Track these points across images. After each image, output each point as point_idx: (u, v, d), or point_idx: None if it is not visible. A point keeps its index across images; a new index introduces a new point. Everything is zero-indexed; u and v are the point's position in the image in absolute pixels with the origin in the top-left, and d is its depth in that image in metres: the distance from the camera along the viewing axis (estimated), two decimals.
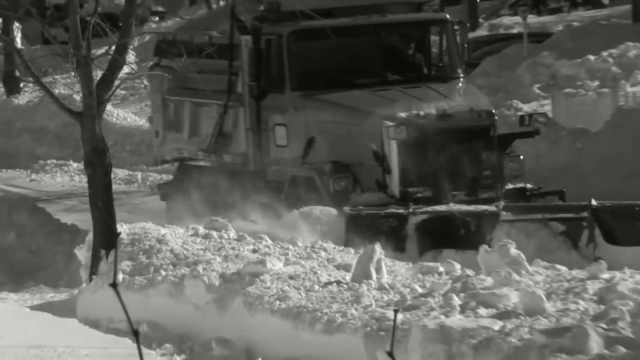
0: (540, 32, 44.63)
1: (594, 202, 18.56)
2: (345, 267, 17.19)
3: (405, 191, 18.93)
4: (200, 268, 17.57)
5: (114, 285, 3.56)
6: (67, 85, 33.33)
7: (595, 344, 12.87)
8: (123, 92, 32.14)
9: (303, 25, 20.34)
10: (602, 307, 14.15)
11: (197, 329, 16.69)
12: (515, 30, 46.12)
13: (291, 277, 16.99)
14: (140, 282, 18.04)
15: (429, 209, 18.86)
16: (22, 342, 16.13)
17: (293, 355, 15.51)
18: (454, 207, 18.81)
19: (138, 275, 18.77)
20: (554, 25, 48.69)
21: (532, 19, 48.58)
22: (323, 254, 17.87)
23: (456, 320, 14.33)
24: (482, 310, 14.85)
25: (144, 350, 14.51)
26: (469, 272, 16.17)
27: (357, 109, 19.70)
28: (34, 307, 19.23)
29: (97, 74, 19.86)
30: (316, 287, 16.60)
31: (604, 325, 13.29)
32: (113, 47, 20.05)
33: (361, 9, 20.79)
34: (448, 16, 21.93)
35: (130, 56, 30.69)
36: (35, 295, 20.11)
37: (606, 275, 15.38)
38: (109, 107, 21.75)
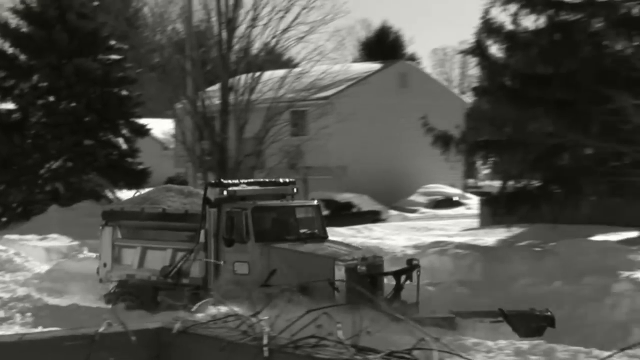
0: None
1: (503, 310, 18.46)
2: None
3: (349, 298, 18.80)
4: None
5: None
6: None
7: None
8: None
9: (259, 204, 21.05)
10: None
11: None
12: None
13: None
14: None
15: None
16: None
17: None
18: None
19: None
20: None
21: None
22: None
23: None
24: None
25: None
26: None
27: (312, 254, 20.23)
28: None
29: None
30: None
31: None
32: None
33: (274, 197, 21.95)
34: (316, 201, 23.04)
35: None
36: None
37: None
38: None
